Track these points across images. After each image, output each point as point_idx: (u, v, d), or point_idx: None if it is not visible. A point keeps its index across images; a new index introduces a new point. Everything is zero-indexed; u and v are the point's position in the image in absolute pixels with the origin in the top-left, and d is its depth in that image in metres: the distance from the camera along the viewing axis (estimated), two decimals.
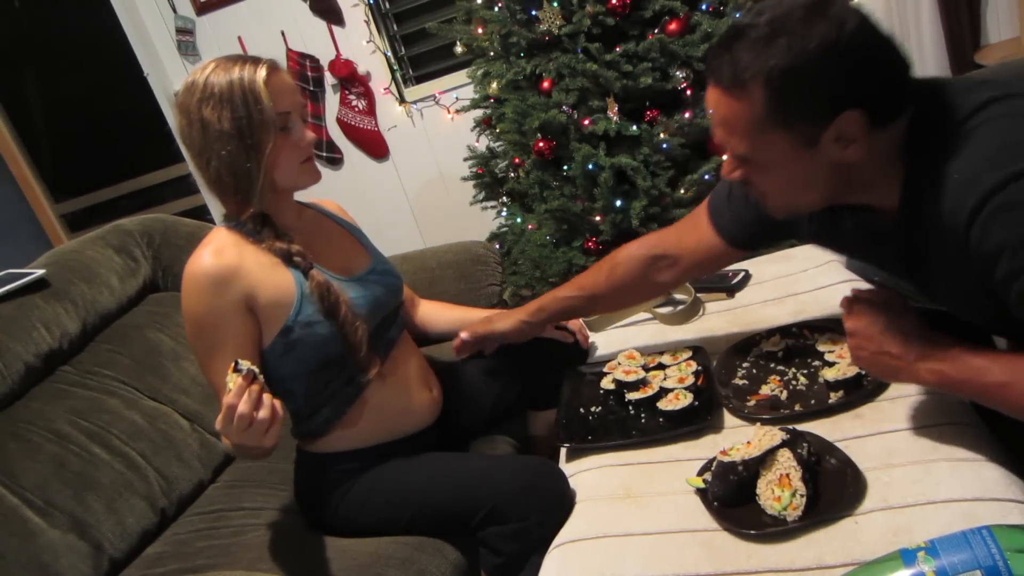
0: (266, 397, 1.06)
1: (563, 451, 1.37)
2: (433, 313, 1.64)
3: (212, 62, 1.29)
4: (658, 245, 1.39)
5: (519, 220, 2.55)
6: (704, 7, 2.19)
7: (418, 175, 3.43)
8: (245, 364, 1.04)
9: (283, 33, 3.26)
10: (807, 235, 1.22)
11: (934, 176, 0.91)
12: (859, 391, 1.19)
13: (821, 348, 1.30)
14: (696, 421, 1.26)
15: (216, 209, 1.29)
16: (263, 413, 1.05)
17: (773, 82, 0.90)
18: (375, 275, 1.43)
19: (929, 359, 0.97)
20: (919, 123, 0.94)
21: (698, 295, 1.65)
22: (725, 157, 1.06)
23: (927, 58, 2.80)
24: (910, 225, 0.97)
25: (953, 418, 1.09)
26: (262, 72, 1.25)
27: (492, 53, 2.44)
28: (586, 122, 2.21)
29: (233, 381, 1.03)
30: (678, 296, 1.69)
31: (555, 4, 2.17)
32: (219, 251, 1.27)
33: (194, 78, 1.28)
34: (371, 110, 3.33)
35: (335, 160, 3.46)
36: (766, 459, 1.05)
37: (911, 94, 0.94)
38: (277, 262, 1.29)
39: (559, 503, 1.23)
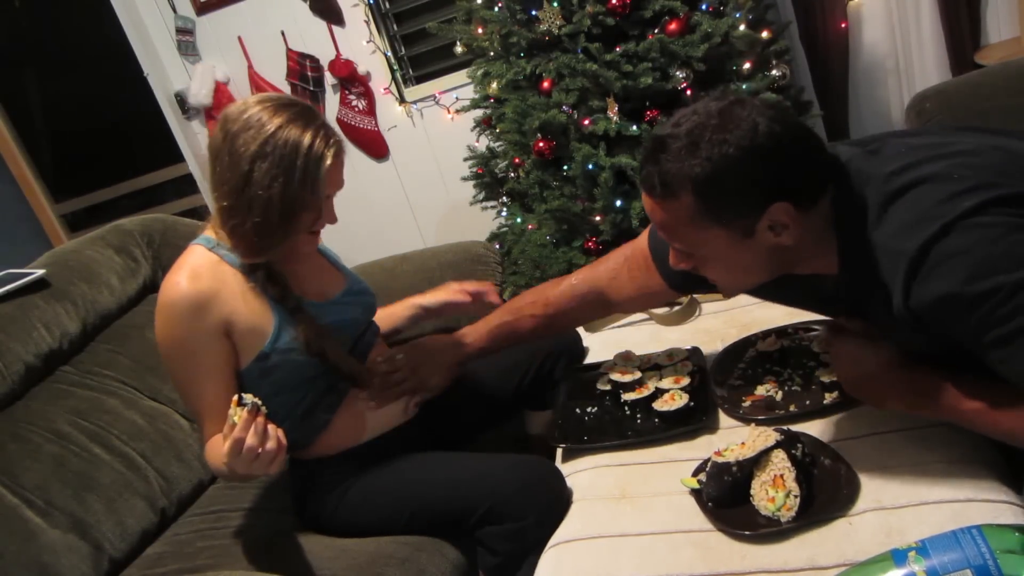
0: (271, 428, 1.07)
1: (559, 451, 1.37)
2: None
3: (283, 113, 1.20)
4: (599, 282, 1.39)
5: (519, 220, 2.55)
6: (704, 7, 2.19)
7: (418, 175, 3.43)
8: (248, 398, 1.06)
9: (283, 33, 3.26)
10: (758, 294, 1.25)
11: (864, 245, 0.95)
12: None
13: (816, 349, 1.31)
14: (691, 422, 1.27)
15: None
16: (270, 444, 1.06)
17: (699, 188, 0.95)
18: (351, 296, 1.44)
19: (913, 386, 1.00)
20: (841, 197, 0.98)
21: (695, 296, 1.65)
22: (671, 253, 1.10)
23: (927, 58, 2.80)
24: (852, 289, 1.02)
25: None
26: (328, 160, 1.21)
27: (492, 53, 2.44)
28: (586, 122, 2.21)
29: (238, 415, 1.04)
30: None
31: (555, 4, 2.17)
32: (196, 275, 1.25)
33: (258, 117, 1.20)
34: (371, 110, 3.33)
35: None
36: (761, 460, 1.06)
37: (829, 172, 0.99)
38: (254, 287, 1.28)
39: (556, 502, 1.24)
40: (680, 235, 1.02)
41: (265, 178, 1.18)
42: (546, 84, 2.27)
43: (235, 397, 1.05)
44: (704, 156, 0.94)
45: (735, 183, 0.94)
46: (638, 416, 1.34)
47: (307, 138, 1.20)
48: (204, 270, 1.26)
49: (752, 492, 1.05)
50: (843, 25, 2.85)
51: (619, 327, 1.70)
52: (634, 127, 2.18)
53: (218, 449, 1.21)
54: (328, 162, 1.21)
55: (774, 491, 1.02)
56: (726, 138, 0.93)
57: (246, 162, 1.19)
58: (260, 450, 1.05)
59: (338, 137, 1.26)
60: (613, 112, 2.19)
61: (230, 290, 1.26)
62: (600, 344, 1.65)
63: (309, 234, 1.29)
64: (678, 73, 2.17)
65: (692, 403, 1.29)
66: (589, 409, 1.40)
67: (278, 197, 1.19)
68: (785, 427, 1.12)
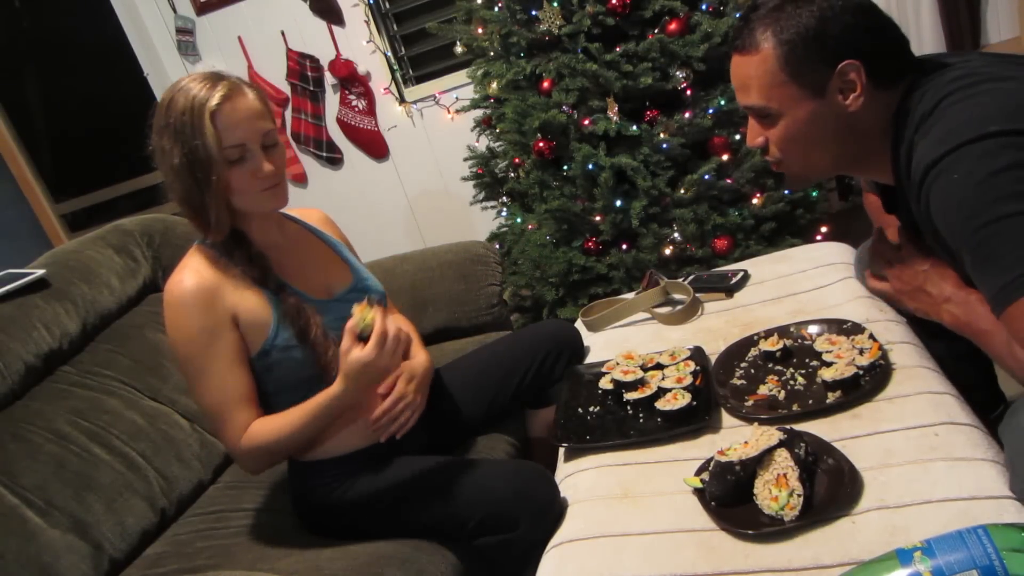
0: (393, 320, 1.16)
1: (561, 451, 1.37)
2: None
3: (187, 79, 1.21)
4: None
5: (519, 220, 2.55)
6: (704, 7, 2.20)
7: (418, 175, 3.44)
8: (369, 300, 1.16)
9: (283, 33, 3.27)
10: None
11: (908, 150, 1.05)
12: (856, 391, 1.19)
13: (819, 348, 1.30)
14: (694, 421, 1.26)
15: None
16: (403, 334, 1.16)
17: (780, 36, 1.08)
18: (355, 293, 1.41)
19: (951, 302, 1.11)
20: (908, 98, 1.07)
21: (697, 295, 1.65)
22: (748, 128, 1.19)
23: None
24: (904, 196, 1.11)
25: (950, 418, 1.09)
26: (212, 102, 1.15)
27: (492, 53, 2.44)
28: (586, 122, 2.21)
29: (371, 315, 1.12)
30: (677, 296, 1.70)
31: (555, 4, 2.17)
32: (198, 271, 1.26)
33: (166, 96, 1.20)
34: (371, 110, 3.33)
35: (335, 160, 3.46)
36: (763, 459, 1.06)
37: (908, 67, 1.09)
38: (247, 279, 1.28)
39: (549, 509, 1.23)
40: (757, 87, 1.11)
41: (168, 146, 1.18)
42: (546, 84, 2.27)
43: (362, 302, 1.13)
44: (788, 12, 1.08)
45: (815, 38, 1.06)
46: (640, 415, 1.33)
47: (193, 91, 1.17)
48: (204, 266, 1.27)
49: (755, 491, 1.05)
50: None
51: (621, 326, 1.70)
52: (634, 127, 2.18)
53: (272, 425, 1.26)
54: (212, 104, 1.15)
55: (777, 490, 1.02)
56: (812, 2, 1.06)
57: (157, 140, 1.20)
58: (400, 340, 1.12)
59: (231, 80, 1.20)
60: (613, 112, 2.19)
61: (231, 285, 1.27)
62: (602, 343, 1.65)
63: (262, 192, 1.24)
64: (678, 73, 2.17)
65: (695, 402, 1.28)
66: (591, 409, 1.40)
67: (183, 161, 1.17)
68: (788, 426, 1.12)
